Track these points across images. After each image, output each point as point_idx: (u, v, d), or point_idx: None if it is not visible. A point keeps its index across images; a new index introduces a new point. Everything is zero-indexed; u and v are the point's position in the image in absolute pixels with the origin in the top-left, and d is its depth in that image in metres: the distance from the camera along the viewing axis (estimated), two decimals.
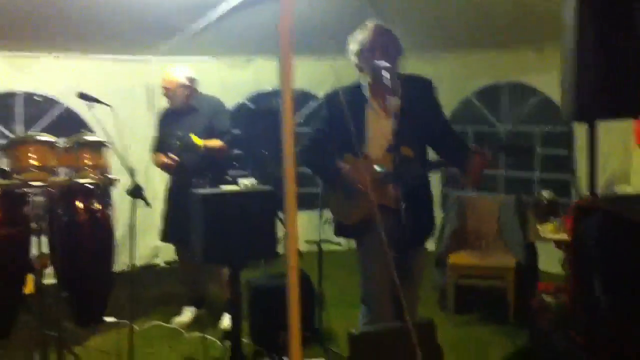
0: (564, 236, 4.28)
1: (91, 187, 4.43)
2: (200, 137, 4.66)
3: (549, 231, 4.41)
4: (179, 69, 4.91)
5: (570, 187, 6.10)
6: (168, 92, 4.90)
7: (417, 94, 3.31)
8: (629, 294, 3.02)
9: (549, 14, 4.03)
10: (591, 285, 3.11)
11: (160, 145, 4.95)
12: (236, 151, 5.25)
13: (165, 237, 5.03)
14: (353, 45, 3.30)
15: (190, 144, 4.61)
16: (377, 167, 3.18)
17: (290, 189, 2.25)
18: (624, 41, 3.30)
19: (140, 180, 4.09)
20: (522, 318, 4.55)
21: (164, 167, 4.87)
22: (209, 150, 4.69)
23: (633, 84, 3.34)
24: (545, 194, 4.72)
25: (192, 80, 4.90)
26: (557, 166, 6.43)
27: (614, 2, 3.31)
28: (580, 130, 4.84)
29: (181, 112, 4.89)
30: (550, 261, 5.26)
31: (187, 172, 4.69)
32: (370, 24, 3.30)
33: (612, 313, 3.05)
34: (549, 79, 5.33)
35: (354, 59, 3.32)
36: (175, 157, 4.72)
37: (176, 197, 4.86)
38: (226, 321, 4.74)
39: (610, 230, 3.08)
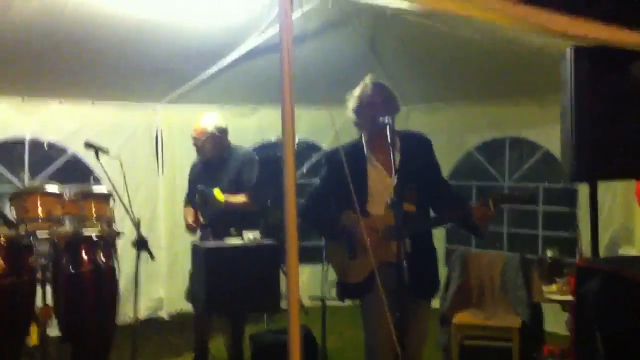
0: (568, 297, 4.21)
1: (96, 238, 4.43)
2: (227, 190, 4.43)
3: (554, 292, 4.34)
4: (209, 118, 4.67)
5: (575, 245, 6.05)
6: (197, 142, 4.67)
7: (416, 150, 3.33)
8: (630, 356, 3.00)
9: (549, 68, 4.06)
10: (593, 347, 3.09)
11: (191, 200, 4.74)
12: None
13: (191, 297, 4.52)
14: (352, 102, 3.34)
15: (211, 199, 4.36)
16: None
17: (292, 242, 2.24)
18: (622, 101, 3.32)
19: (144, 230, 4.10)
20: None
21: (187, 227, 4.68)
22: (230, 206, 4.43)
23: (632, 145, 3.34)
24: (549, 252, 4.67)
25: (221, 130, 4.65)
26: (561, 223, 6.36)
27: (611, 61, 3.30)
28: (583, 187, 4.81)
29: (210, 164, 4.68)
30: (557, 322, 5.16)
31: (212, 229, 4.42)
32: (368, 81, 3.33)
33: None
34: (551, 133, 5.26)
35: (352, 115, 3.35)
36: (201, 219, 4.53)
37: None
38: None
39: (610, 292, 3.06)
